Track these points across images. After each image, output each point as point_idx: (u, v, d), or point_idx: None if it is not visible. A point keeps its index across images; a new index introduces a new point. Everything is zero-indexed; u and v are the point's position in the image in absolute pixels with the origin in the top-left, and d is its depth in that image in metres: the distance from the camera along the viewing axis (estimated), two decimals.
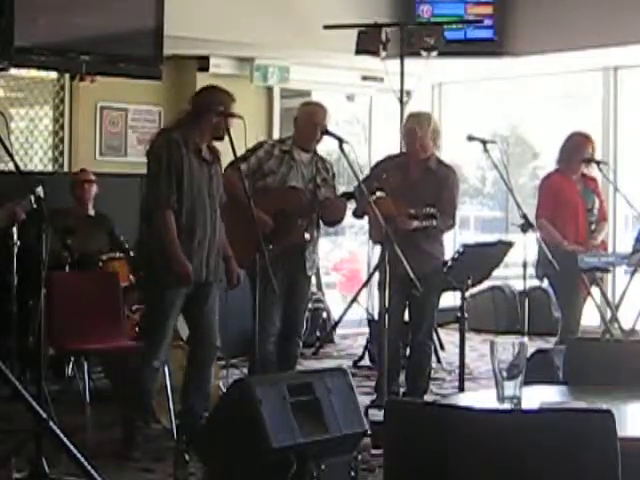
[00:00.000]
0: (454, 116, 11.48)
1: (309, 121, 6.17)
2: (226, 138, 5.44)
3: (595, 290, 7.24)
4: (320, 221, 6.29)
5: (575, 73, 10.64)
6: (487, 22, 9.63)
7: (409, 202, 6.11)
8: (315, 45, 9.12)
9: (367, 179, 6.25)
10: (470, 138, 6.28)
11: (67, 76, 8.91)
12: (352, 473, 4.68)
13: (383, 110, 10.89)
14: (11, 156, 4.55)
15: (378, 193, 5.98)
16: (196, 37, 8.63)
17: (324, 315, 9.73)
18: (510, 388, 3.11)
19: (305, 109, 6.38)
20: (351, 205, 6.39)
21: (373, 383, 7.02)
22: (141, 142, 9.37)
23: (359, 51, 8.78)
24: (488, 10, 9.70)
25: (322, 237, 6.80)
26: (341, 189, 6.95)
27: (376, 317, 7.79)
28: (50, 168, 9.22)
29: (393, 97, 8.86)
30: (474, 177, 13.00)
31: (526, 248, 6.31)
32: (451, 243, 8.96)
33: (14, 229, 6.28)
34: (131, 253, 7.28)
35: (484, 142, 6.24)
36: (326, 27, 8.65)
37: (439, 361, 8.53)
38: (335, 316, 9.66)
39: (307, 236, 6.13)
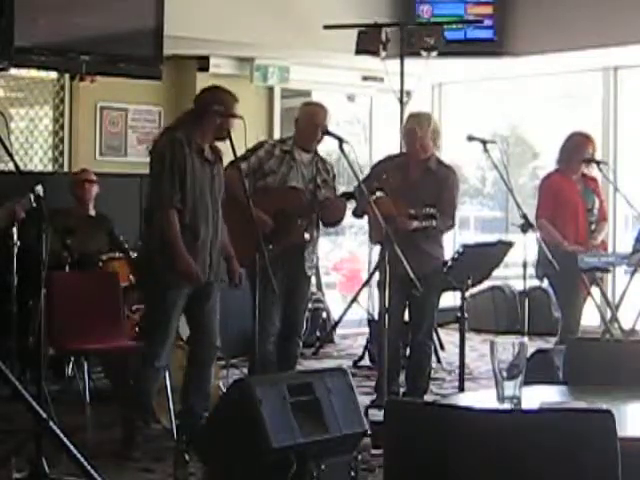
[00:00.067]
0: (454, 116, 11.47)
1: (310, 121, 6.17)
2: None
3: (595, 290, 7.24)
4: (320, 222, 6.29)
5: (575, 73, 10.64)
6: (487, 22, 9.63)
7: (409, 202, 6.10)
8: (315, 45, 9.12)
9: (367, 179, 6.24)
10: (470, 138, 6.28)
11: (67, 76, 8.91)
12: (352, 473, 4.68)
13: (383, 110, 10.89)
14: (11, 156, 4.54)
15: (378, 193, 5.98)
16: (196, 37, 8.63)
17: (324, 315, 9.73)
18: (510, 388, 3.11)
19: (306, 109, 6.38)
20: (351, 205, 6.39)
21: (373, 383, 7.01)
22: (141, 142, 9.37)
23: (359, 51, 8.78)
24: (488, 10, 9.70)
25: (322, 237, 6.80)
26: (341, 189, 6.95)
27: (376, 317, 7.79)
28: (50, 168, 9.21)
29: (393, 97, 8.86)
30: (474, 177, 13.00)
31: (526, 248, 6.31)
32: (451, 243, 8.96)
33: (14, 229, 6.29)
34: (131, 253, 7.28)
35: (484, 142, 6.24)
36: (326, 27, 8.65)
37: (439, 361, 8.52)
38: (335, 316, 9.65)
39: (307, 236, 6.13)
